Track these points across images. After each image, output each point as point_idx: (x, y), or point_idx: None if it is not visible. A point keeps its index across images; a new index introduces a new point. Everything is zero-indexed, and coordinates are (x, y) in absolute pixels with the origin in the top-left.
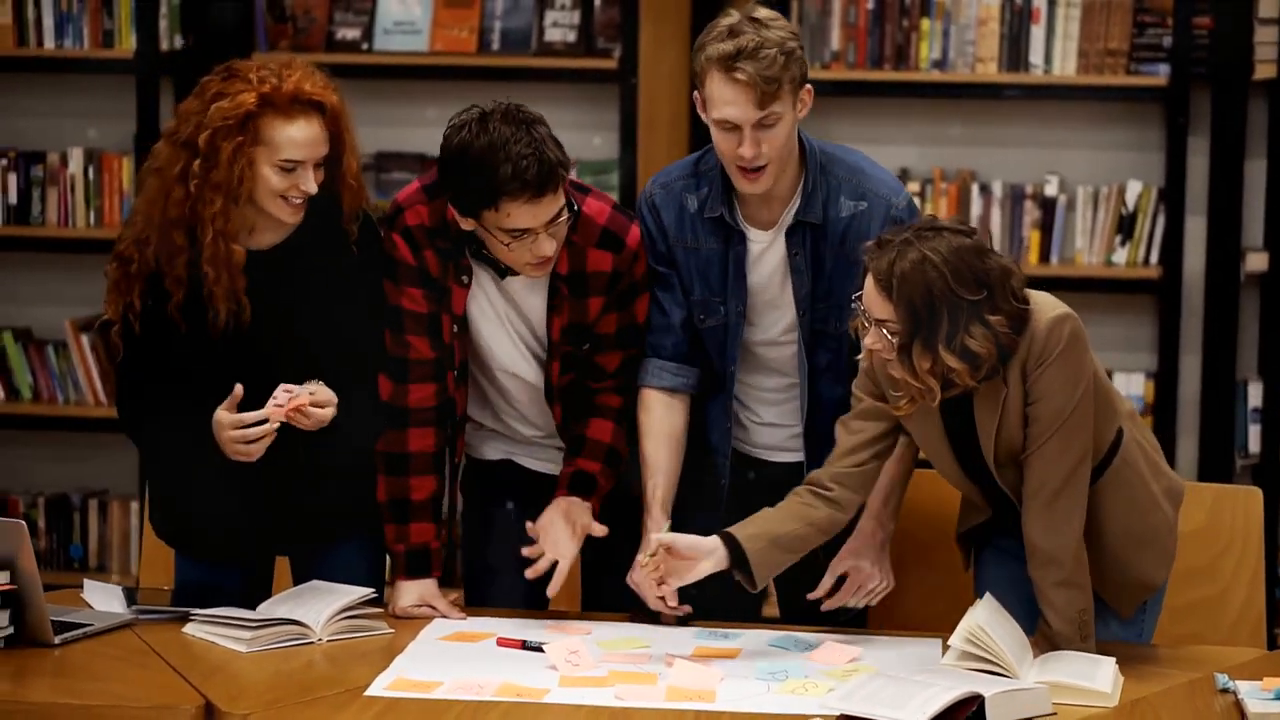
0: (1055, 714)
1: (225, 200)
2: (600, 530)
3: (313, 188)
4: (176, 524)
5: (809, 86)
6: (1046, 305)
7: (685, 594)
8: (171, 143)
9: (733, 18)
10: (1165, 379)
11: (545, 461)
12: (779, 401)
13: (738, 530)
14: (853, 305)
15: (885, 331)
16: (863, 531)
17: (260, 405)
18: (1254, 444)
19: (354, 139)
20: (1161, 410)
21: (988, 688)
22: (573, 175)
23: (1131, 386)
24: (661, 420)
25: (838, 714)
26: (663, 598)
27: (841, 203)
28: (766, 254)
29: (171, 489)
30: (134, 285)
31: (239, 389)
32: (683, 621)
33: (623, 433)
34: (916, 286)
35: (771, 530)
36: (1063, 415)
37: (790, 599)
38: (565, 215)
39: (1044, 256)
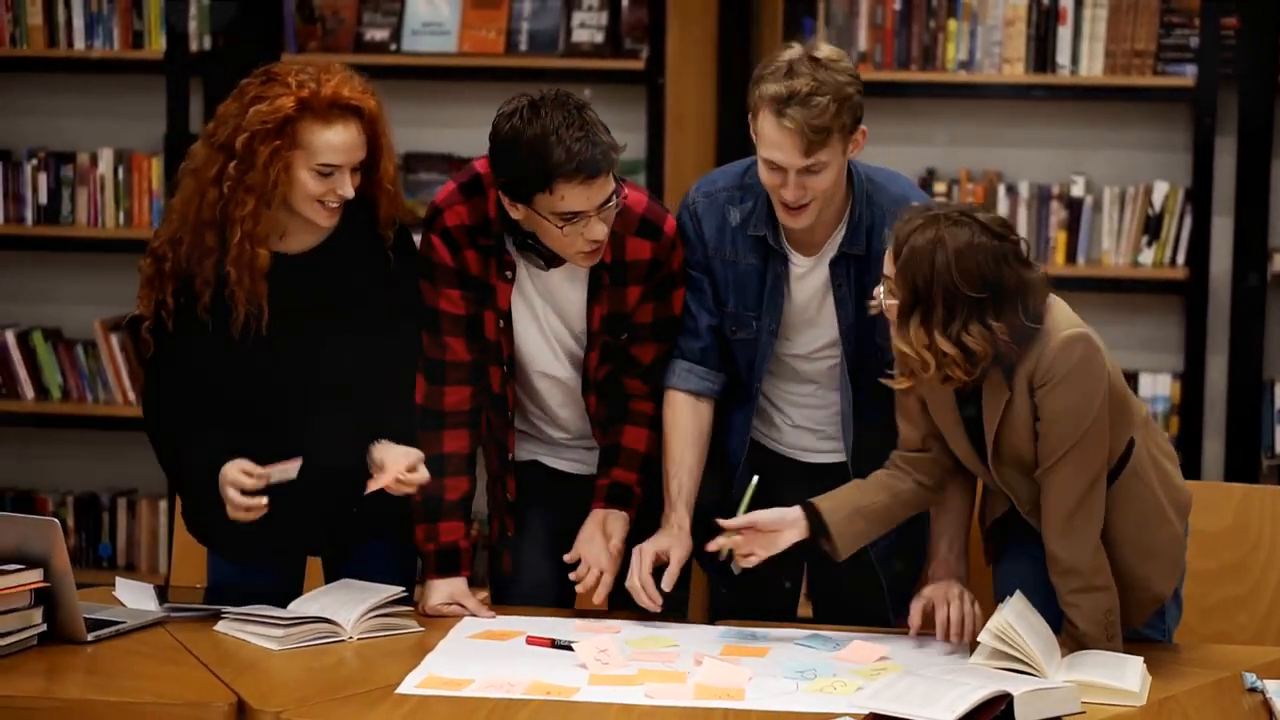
0: (1084, 712)
1: (257, 203)
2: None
3: (350, 192)
4: (208, 526)
5: (863, 128)
6: (1063, 322)
7: (719, 595)
8: (209, 144)
9: (794, 52)
10: (1192, 379)
11: (572, 461)
12: (811, 406)
13: (820, 500)
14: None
15: (886, 292)
16: (935, 577)
17: (281, 413)
18: None
19: (391, 144)
20: (1188, 411)
21: (1016, 686)
22: None
23: (1158, 387)
24: (688, 421)
25: (866, 712)
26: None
27: (886, 235)
28: (807, 278)
29: (201, 493)
30: (167, 283)
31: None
32: (712, 620)
33: (658, 439)
34: (920, 266)
35: (855, 500)
36: (1074, 438)
37: (822, 599)
38: (616, 200)
39: (1070, 257)
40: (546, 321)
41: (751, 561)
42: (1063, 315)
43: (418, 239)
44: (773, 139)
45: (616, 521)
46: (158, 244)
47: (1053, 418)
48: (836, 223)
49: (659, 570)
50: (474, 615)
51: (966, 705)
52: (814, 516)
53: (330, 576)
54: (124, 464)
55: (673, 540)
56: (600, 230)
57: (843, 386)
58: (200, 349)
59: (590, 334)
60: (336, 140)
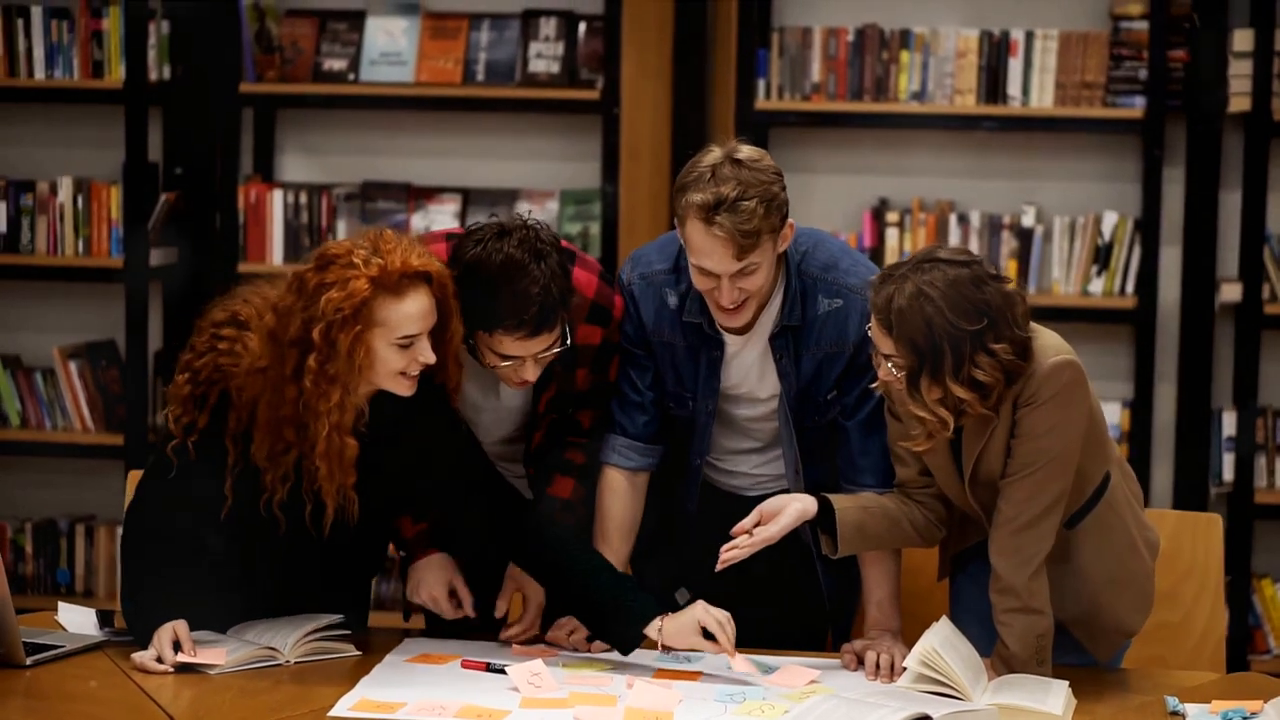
0: None
1: (343, 393)
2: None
3: (432, 357)
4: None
5: (791, 222)
6: (1052, 347)
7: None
8: (274, 342)
9: (715, 155)
10: (1141, 408)
11: (514, 479)
12: (759, 460)
13: (833, 495)
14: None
15: (892, 366)
16: (874, 622)
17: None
18: (1228, 472)
19: (458, 305)
20: (1137, 439)
21: (937, 709)
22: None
23: (1108, 415)
24: (624, 509)
25: None
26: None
27: (819, 300)
28: (743, 353)
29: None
30: (205, 409)
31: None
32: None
33: (583, 490)
34: (915, 323)
35: (865, 503)
36: (1045, 456)
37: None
38: (556, 348)
39: (1021, 286)
40: (494, 408)
41: (732, 557)
42: (1051, 340)
43: None
44: (703, 247)
45: (532, 585)
46: (202, 369)
47: (1030, 435)
48: (768, 298)
49: None
50: (460, 608)
51: None
52: (824, 506)
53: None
54: (82, 491)
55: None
56: (533, 372)
57: (786, 441)
58: (215, 500)
59: (536, 416)
60: (414, 310)
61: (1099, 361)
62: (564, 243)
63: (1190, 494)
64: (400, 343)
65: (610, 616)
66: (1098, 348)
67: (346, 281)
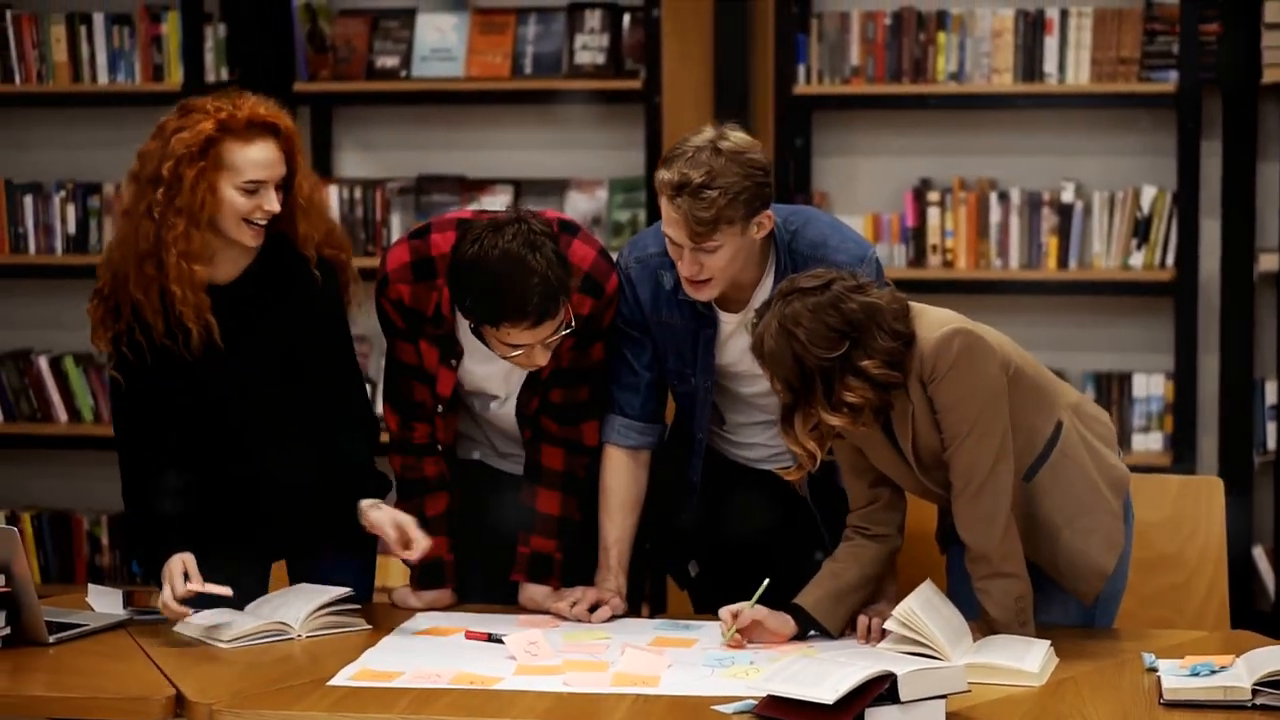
0: (969, 691)
1: (188, 224)
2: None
3: (276, 206)
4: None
5: (768, 213)
6: (935, 322)
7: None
8: (135, 182)
9: (703, 137)
10: (1183, 379)
11: (512, 463)
12: (774, 431)
13: (802, 598)
14: None
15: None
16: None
17: (246, 426)
18: (1271, 441)
19: (306, 163)
20: (1180, 410)
21: (901, 667)
22: (561, 214)
23: (1151, 387)
24: (627, 486)
25: (764, 694)
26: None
27: None
28: (737, 334)
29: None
30: (121, 319)
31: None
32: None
33: (573, 501)
34: (785, 361)
35: (831, 587)
36: (968, 422)
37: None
38: (563, 330)
39: (1062, 261)
40: (498, 382)
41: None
42: (932, 316)
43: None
44: (667, 218)
45: (541, 596)
46: (101, 285)
47: (946, 407)
48: (760, 277)
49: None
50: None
51: (849, 684)
52: (801, 614)
53: (295, 580)
54: None
55: (610, 598)
56: (544, 357)
57: None
58: (162, 377)
59: (537, 382)
60: (258, 156)
61: (1141, 335)
62: (566, 217)
63: (1235, 464)
64: (245, 187)
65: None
66: (1139, 321)
67: (196, 124)
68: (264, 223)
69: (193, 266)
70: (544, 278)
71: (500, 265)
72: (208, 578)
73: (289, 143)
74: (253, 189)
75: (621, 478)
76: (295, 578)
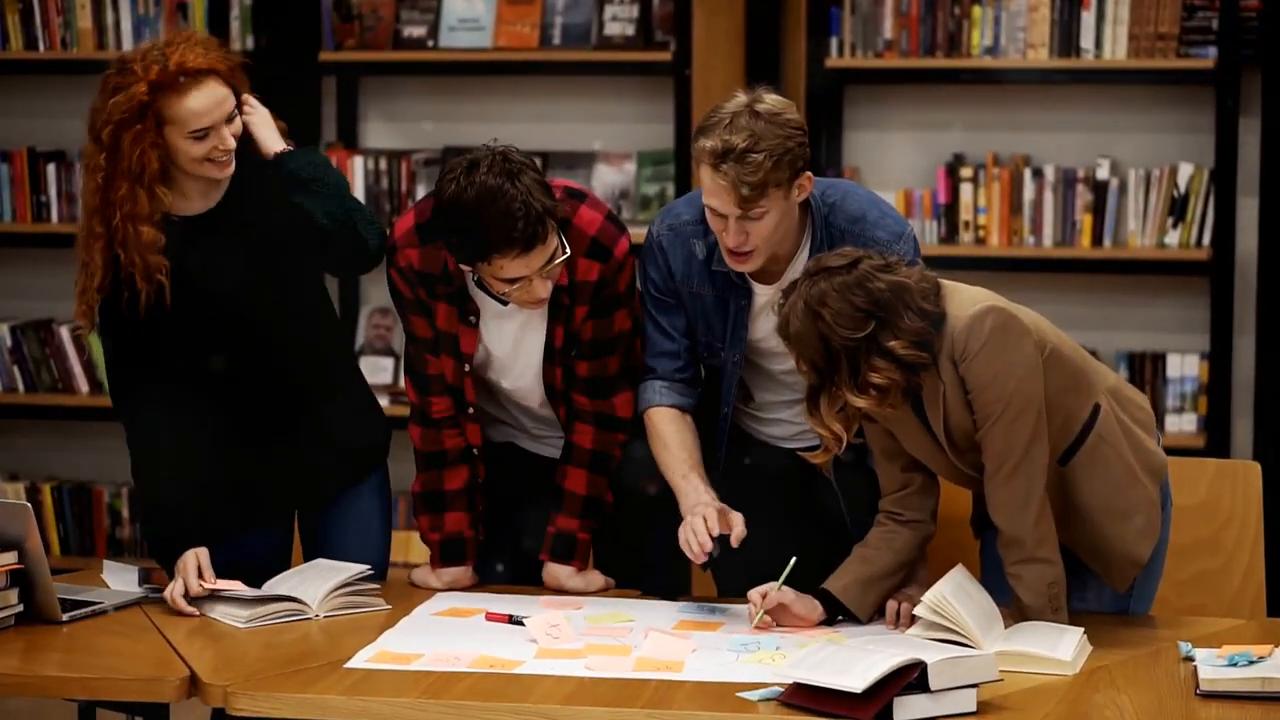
0: (1001, 680)
1: (131, 185)
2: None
3: (231, 142)
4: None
5: (808, 174)
6: (967, 301)
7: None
8: (89, 138)
9: (737, 103)
10: (1219, 360)
11: (547, 446)
12: (792, 408)
13: (831, 584)
14: None
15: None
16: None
17: (240, 360)
18: None
19: (247, 83)
20: (1216, 391)
21: (931, 655)
22: (568, 182)
23: (1186, 368)
24: (682, 431)
25: (790, 682)
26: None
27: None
28: (769, 309)
29: (171, 471)
30: (102, 279)
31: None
32: (672, 597)
33: (601, 480)
34: (811, 342)
35: (864, 573)
36: (1002, 401)
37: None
38: (559, 258)
39: (1097, 239)
40: (526, 339)
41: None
42: (965, 295)
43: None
44: (710, 189)
45: (564, 577)
46: (77, 250)
47: (978, 387)
48: (795, 249)
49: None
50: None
51: (878, 673)
52: (829, 599)
53: (313, 531)
54: None
55: (731, 514)
56: (544, 289)
57: None
58: (143, 327)
59: (554, 351)
60: (198, 105)
61: (1176, 314)
62: (573, 184)
63: (1271, 445)
64: (194, 135)
65: None
66: (1175, 300)
67: (130, 86)
68: (225, 158)
69: (139, 228)
70: (525, 203)
71: (480, 198)
72: (224, 567)
73: (229, 75)
74: (202, 135)
75: (672, 426)
76: (311, 525)
